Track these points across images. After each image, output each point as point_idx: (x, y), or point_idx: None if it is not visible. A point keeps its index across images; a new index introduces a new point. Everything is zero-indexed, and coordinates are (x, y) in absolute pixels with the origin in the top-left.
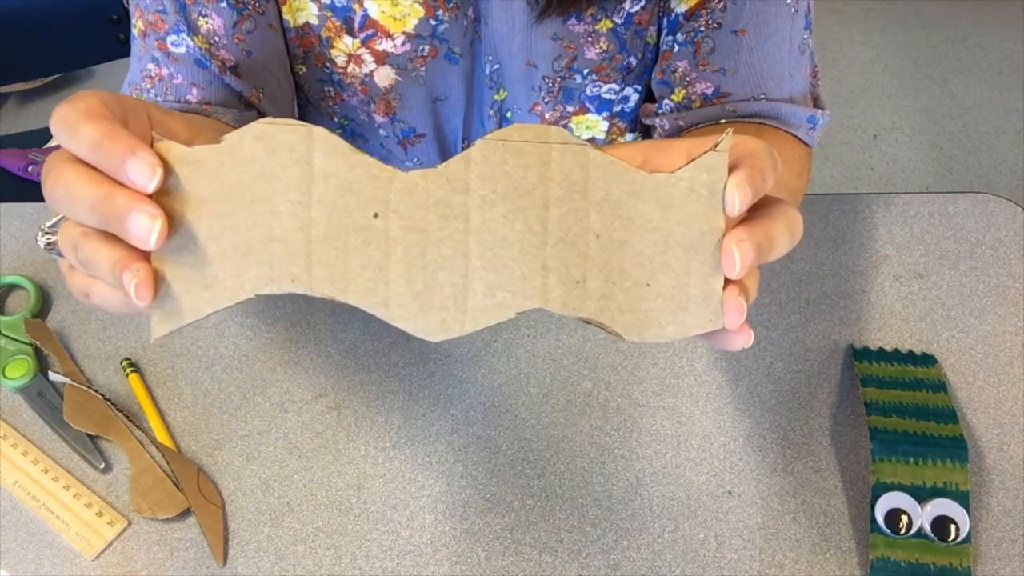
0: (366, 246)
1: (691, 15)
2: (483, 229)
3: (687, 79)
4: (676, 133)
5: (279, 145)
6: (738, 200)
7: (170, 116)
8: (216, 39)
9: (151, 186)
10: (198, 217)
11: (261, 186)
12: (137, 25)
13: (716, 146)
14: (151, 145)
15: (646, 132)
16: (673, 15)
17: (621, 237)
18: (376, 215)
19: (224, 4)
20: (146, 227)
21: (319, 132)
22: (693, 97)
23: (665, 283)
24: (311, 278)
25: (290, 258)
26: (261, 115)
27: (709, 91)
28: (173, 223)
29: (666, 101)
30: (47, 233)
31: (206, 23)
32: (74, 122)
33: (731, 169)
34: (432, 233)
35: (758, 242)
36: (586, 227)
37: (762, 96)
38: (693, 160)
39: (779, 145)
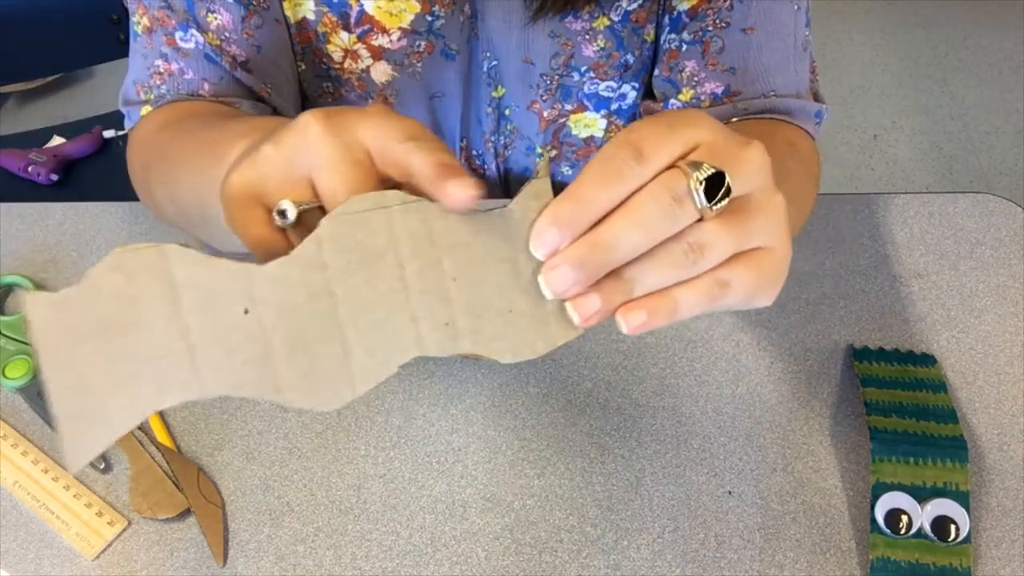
0: (245, 341)
1: (695, 14)
2: (348, 299)
3: (696, 79)
4: None
5: (137, 268)
6: (535, 248)
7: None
8: (226, 35)
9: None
10: (81, 355)
11: (130, 311)
12: (141, 22)
13: (537, 174)
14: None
15: None
16: (675, 13)
17: (476, 274)
18: (246, 311)
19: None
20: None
21: (171, 248)
22: (702, 96)
23: (524, 305)
24: (201, 382)
25: (175, 368)
26: (272, 109)
27: (719, 90)
28: (63, 367)
29: (673, 101)
30: (300, 212)
31: (215, 19)
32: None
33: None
34: (303, 314)
35: (578, 259)
36: (441, 273)
37: (772, 93)
38: (519, 192)
39: (792, 137)
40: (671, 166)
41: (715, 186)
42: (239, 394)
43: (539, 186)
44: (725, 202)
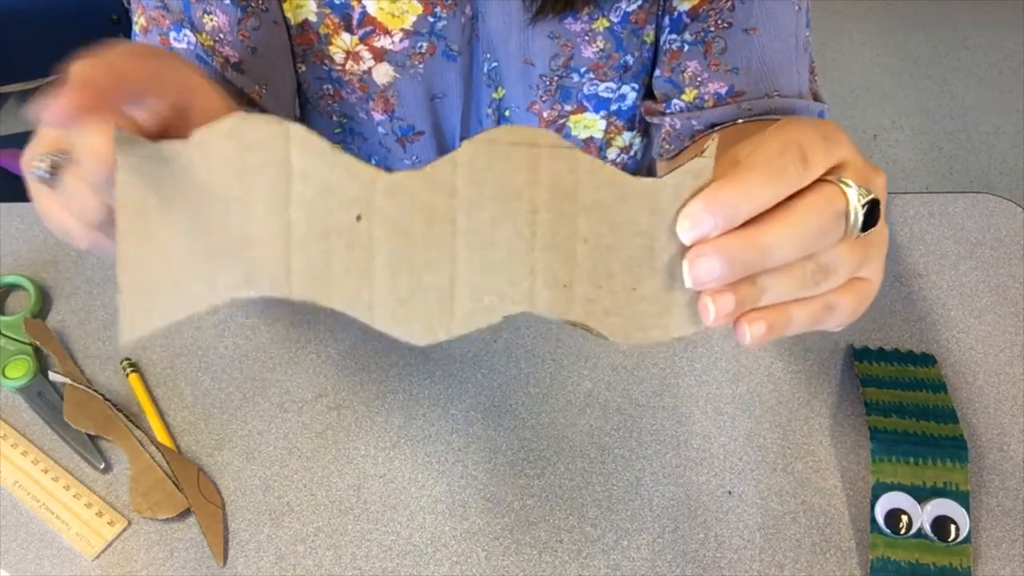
0: (349, 249)
1: (696, 14)
2: (470, 232)
3: (698, 79)
4: (689, 133)
5: (253, 143)
6: (683, 230)
7: (214, 89)
8: (221, 36)
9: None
10: (167, 218)
11: (234, 186)
12: (139, 22)
13: (703, 152)
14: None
15: (645, 130)
16: (676, 14)
17: (609, 241)
18: (359, 217)
19: (228, 1)
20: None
21: (296, 129)
22: (706, 97)
23: (651, 287)
24: (291, 282)
25: (268, 261)
26: (262, 111)
27: (723, 90)
28: (141, 224)
29: (675, 101)
30: (53, 167)
31: (211, 20)
32: (77, 119)
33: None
34: (418, 236)
35: (730, 254)
36: (574, 231)
37: (775, 93)
38: (681, 165)
39: None
40: (822, 179)
41: (869, 212)
42: (328, 304)
43: (702, 165)
44: (872, 230)
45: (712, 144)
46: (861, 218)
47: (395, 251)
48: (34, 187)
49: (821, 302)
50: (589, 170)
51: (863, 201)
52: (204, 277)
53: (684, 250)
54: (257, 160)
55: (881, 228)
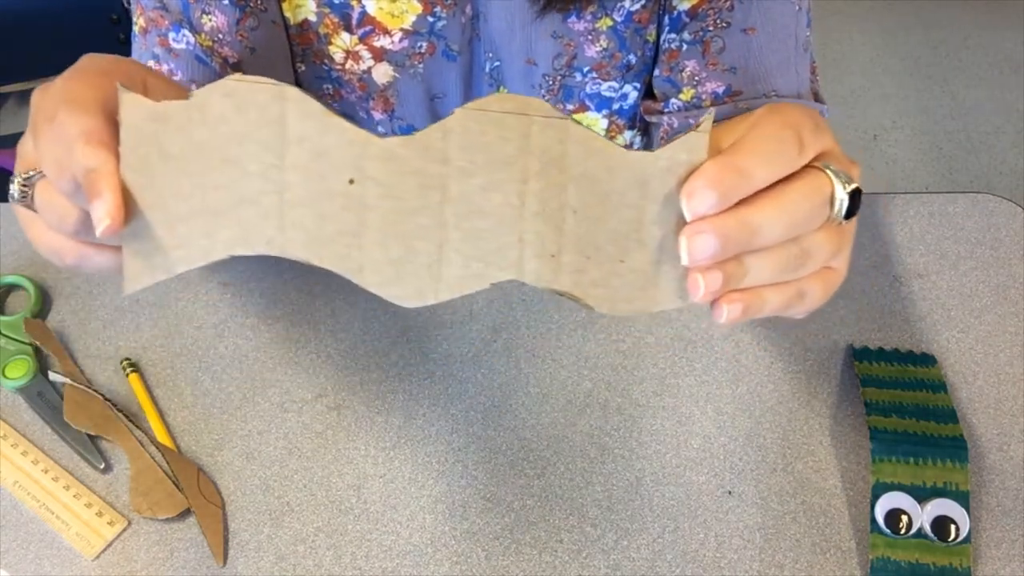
0: (342, 211)
1: (695, 14)
2: (460, 200)
3: (696, 78)
4: (686, 131)
5: (250, 103)
6: (687, 206)
7: (167, 84)
8: (219, 36)
9: (98, 232)
10: (167, 174)
11: (232, 146)
12: (138, 23)
13: (697, 126)
14: (118, 95)
15: (646, 129)
16: (675, 13)
17: (597, 213)
18: (352, 181)
19: (227, 1)
20: (100, 217)
21: (292, 92)
22: (703, 96)
23: (638, 260)
24: (285, 241)
25: (264, 221)
26: None
27: (720, 90)
28: (142, 180)
29: (673, 100)
30: (24, 185)
31: (210, 20)
32: (70, 141)
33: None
34: (409, 202)
35: (725, 233)
36: (563, 202)
37: (773, 93)
38: (675, 139)
39: None
40: (810, 165)
41: (852, 200)
42: (319, 263)
43: (695, 140)
44: (850, 220)
45: (708, 119)
46: (846, 206)
47: (386, 215)
48: (22, 217)
49: (795, 288)
50: (580, 140)
51: (848, 189)
52: (204, 233)
53: (673, 225)
54: (253, 121)
55: (854, 220)
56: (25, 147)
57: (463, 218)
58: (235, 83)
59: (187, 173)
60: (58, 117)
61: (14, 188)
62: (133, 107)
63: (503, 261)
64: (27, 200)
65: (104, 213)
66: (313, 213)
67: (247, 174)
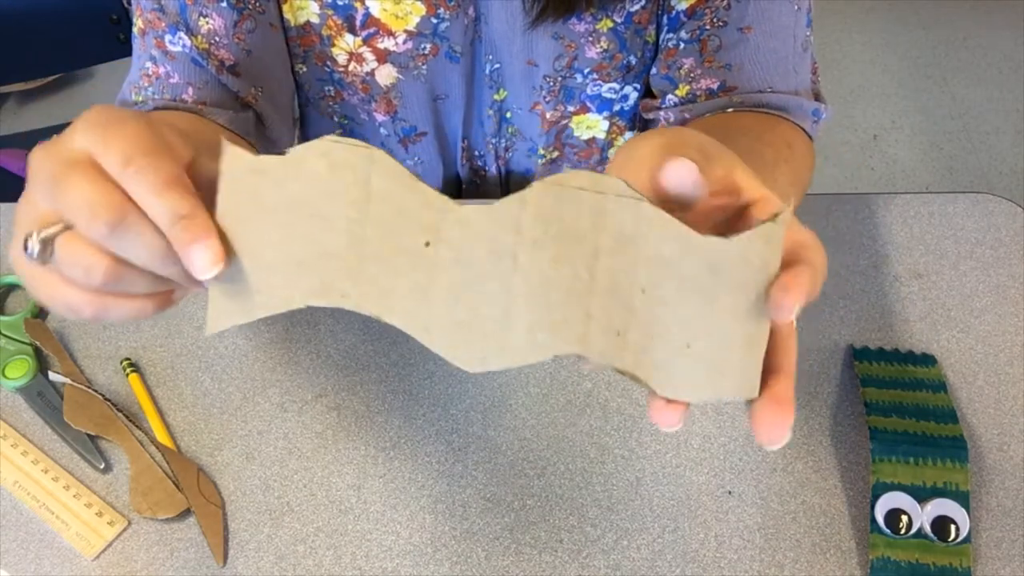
0: (414, 271)
1: (692, 13)
2: (530, 270)
3: (692, 75)
4: (681, 125)
5: (341, 163)
6: (789, 308)
7: (181, 124)
8: (216, 39)
9: (208, 276)
10: (258, 225)
11: (321, 201)
12: (137, 24)
13: (775, 218)
14: (221, 151)
15: (644, 128)
16: (674, 12)
17: (667, 295)
18: (427, 243)
19: (224, 4)
20: (205, 262)
21: (380, 155)
22: (698, 92)
23: (705, 346)
24: (359, 295)
25: (341, 274)
26: (257, 115)
27: (715, 86)
28: (236, 227)
29: (669, 96)
30: (44, 241)
31: (207, 23)
32: (158, 187)
33: (789, 259)
34: (479, 268)
35: (807, 292)
36: (633, 280)
37: (769, 89)
38: (751, 228)
39: (790, 136)
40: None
41: None
42: (388, 320)
43: (773, 230)
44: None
45: (788, 209)
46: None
47: (457, 279)
48: (28, 274)
49: None
50: (654, 221)
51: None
52: (286, 283)
53: (744, 314)
54: (343, 179)
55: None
56: (34, 207)
57: (532, 288)
58: (330, 144)
59: (278, 224)
60: (135, 162)
61: (32, 246)
62: (234, 159)
63: (568, 334)
64: (45, 255)
65: (211, 257)
66: (387, 270)
67: (332, 229)
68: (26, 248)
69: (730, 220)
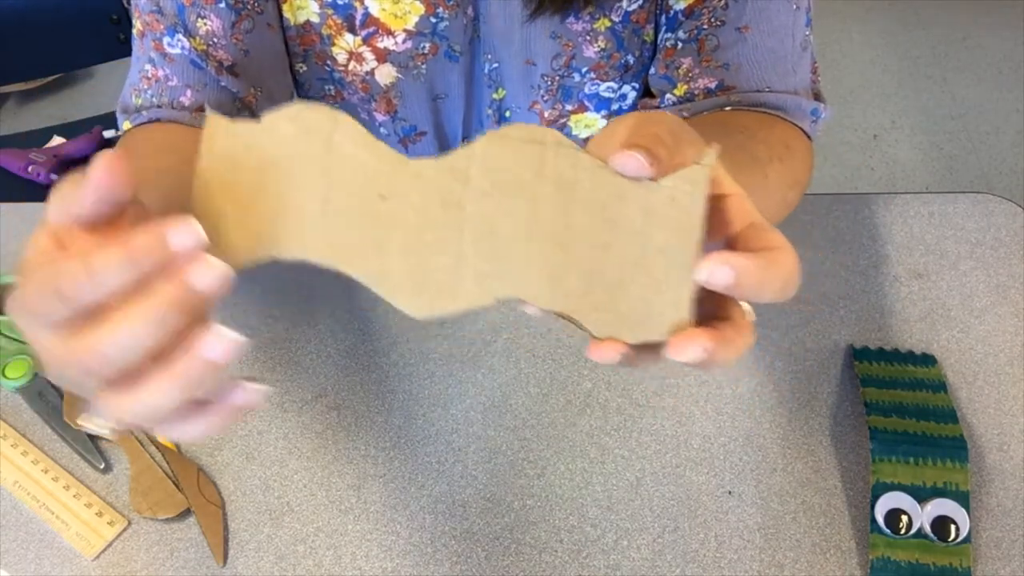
0: (371, 225)
1: (690, 12)
2: (477, 219)
3: (690, 75)
4: None
5: (308, 126)
6: (704, 275)
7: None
8: (214, 40)
9: (192, 241)
10: (233, 184)
11: (290, 161)
12: (136, 26)
13: (700, 160)
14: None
15: None
16: (672, 12)
17: (603, 239)
18: (383, 197)
19: (223, 5)
20: (216, 274)
21: (343, 117)
22: (696, 91)
23: (640, 287)
24: (319, 248)
25: (305, 228)
26: (255, 115)
27: (712, 85)
28: (212, 188)
29: (668, 96)
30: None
31: (205, 24)
32: (82, 265)
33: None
34: (432, 218)
35: (737, 279)
36: (571, 226)
37: (767, 89)
38: (677, 171)
39: (788, 136)
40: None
41: None
42: (345, 270)
43: (697, 173)
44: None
45: (711, 153)
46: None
47: (410, 230)
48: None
49: None
50: (590, 168)
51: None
52: (254, 236)
53: (674, 253)
54: (309, 141)
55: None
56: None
57: (479, 236)
58: (299, 109)
59: (249, 183)
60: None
61: (103, 425)
62: (215, 125)
63: (513, 280)
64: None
65: (184, 228)
66: (346, 223)
67: (297, 186)
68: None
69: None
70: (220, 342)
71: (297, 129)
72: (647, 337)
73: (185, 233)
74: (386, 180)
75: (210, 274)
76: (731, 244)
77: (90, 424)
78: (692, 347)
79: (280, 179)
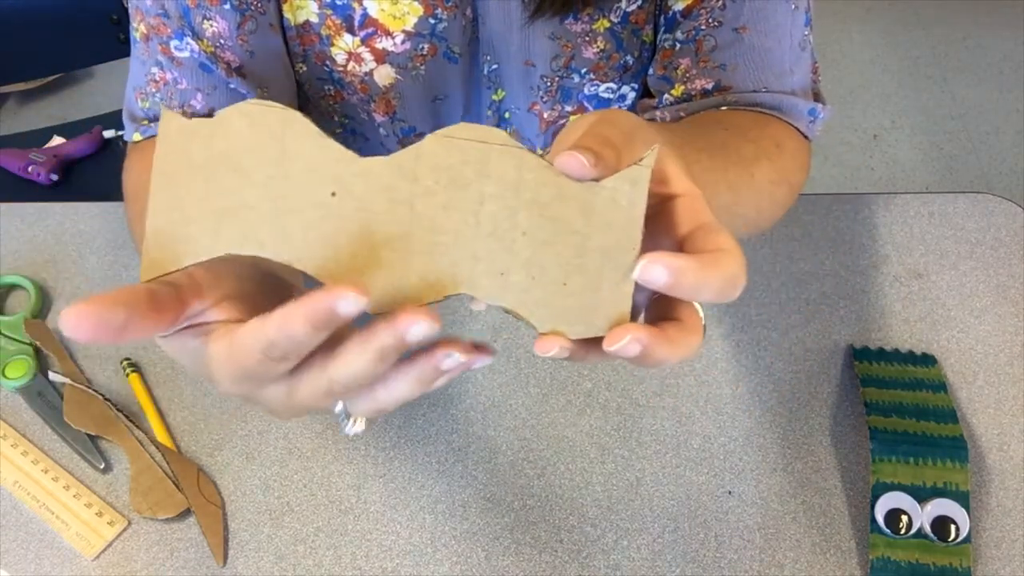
0: (322, 221)
1: (688, 13)
2: (424, 216)
3: (688, 75)
4: (674, 122)
5: (260, 123)
6: (640, 272)
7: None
8: (221, 42)
9: (363, 306)
10: (188, 180)
11: (242, 157)
12: (139, 29)
13: (641, 160)
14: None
15: None
16: (671, 13)
17: (545, 237)
18: (333, 194)
19: (227, 6)
20: (425, 330)
21: (294, 115)
22: (693, 92)
23: (579, 284)
24: (274, 244)
25: (259, 225)
26: None
27: (709, 86)
28: (168, 184)
29: (666, 96)
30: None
31: (211, 26)
32: (264, 344)
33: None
34: (379, 215)
35: (674, 278)
36: (514, 224)
37: (764, 89)
38: (619, 171)
39: (780, 135)
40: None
41: None
42: (299, 267)
43: (639, 173)
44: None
45: (651, 154)
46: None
47: (359, 227)
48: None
49: None
50: (533, 168)
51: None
52: (210, 232)
53: (613, 252)
54: (262, 137)
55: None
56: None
57: (425, 232)
58: (251, 106)
59: (204, 179)
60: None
61: (350, 425)
62: (169, 121)
63: (458, 275)
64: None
65: (352, 296)
66: (300, 221)
67: (252, 183)
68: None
69: (656, 206)
70: (448, 358)
71: (249, 124)
72: (587, 333)
73: (351, 303)
74: (337, 177)
75: (419, 329)
76: (680, 245)
77: (350, 428)
78: (625, 339)
79: (233, 175)
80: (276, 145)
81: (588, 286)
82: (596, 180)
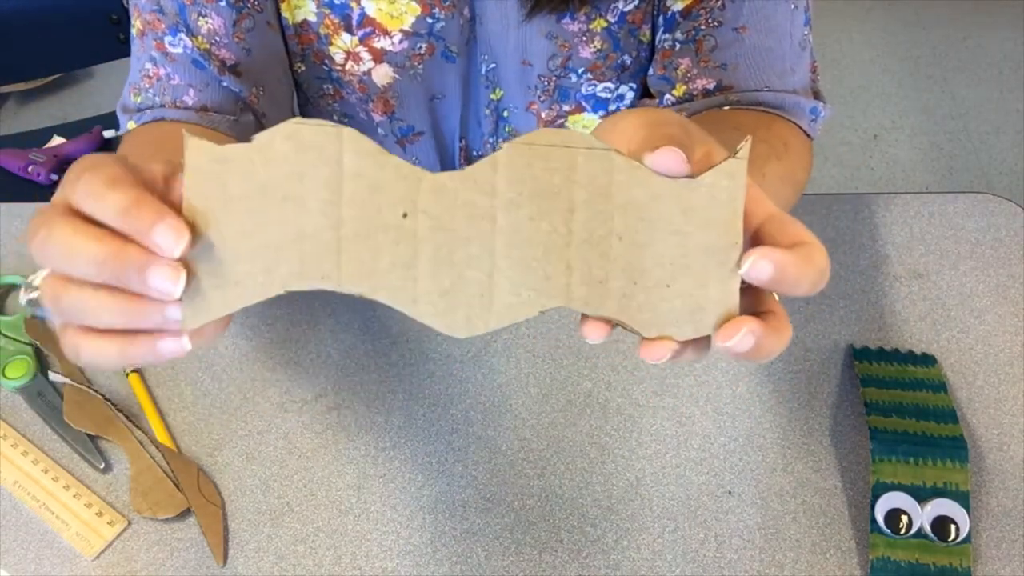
0: (395, 245)
1: (688, 13)
2: (509, 230)
3: (688, 75)
4: None
5: (309, 145)
6: (746, 269)
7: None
8: (216, 39)
9: (177, 252)
10: (228, 215)
11: (292, 184)
12: (136, 25)
13: (736, 153)
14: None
15: None
16: (669, 13)
17: (643, 239)
18: (405, 215)
19: (223, 3)
20: (169, 279)
21: (348, 132)
22: (695, 92)
23: (685, 284)
24: (341, 275)
25: (320, 255)
26: (258, 116)
27: (711, 85)
28: (204, 221)
29: (667, 96)
30: (31, 289)
31: (206, 23)
32: (99, 191)
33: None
34: (459, 233)
35: (778, 273)
36: (609, 229)
37: (765, 88)
38: (714, 166)
39: (787, 134)
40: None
41: None
42: (374, 297)
43: (735, 167)
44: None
45: (745, 146)
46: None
47: (438, 247)
48: (63, 338)
49: None
50: (624, 170)
51: None
52: (263, 270)
53: (717, 249)
54: (312, 160)
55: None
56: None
57: (512, 247)
58: (296, 126)
59: (249, 212)
60: (82, 182)
61: (26, 295)
62: (197, 151)
63: (552, 288)
64: (36, 303)
65: (172, 234)
66: (368, 247)
67: (306, 211)
68: (25, 300)
69: None
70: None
71: (295, 147)
72: (696, 333)
73: (166, 235)
74: (406, 196)
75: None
76: (755, 237)
77: (24, 295)
78: (740, 333)
79: (283, 204)
80: (330, 167)
81: (695, 285)
82: (691, 177)
